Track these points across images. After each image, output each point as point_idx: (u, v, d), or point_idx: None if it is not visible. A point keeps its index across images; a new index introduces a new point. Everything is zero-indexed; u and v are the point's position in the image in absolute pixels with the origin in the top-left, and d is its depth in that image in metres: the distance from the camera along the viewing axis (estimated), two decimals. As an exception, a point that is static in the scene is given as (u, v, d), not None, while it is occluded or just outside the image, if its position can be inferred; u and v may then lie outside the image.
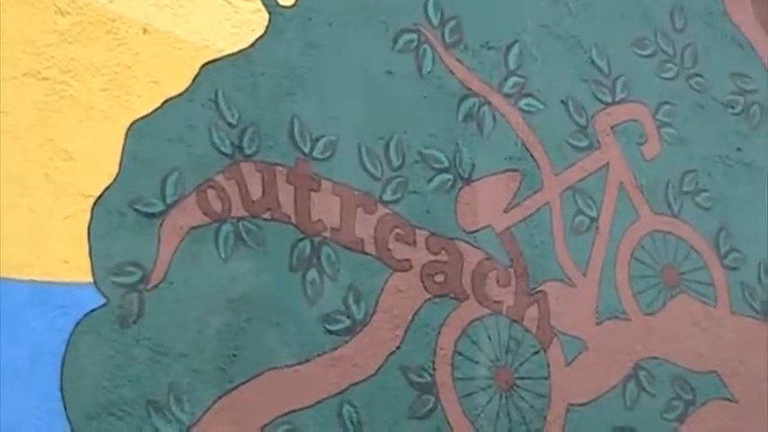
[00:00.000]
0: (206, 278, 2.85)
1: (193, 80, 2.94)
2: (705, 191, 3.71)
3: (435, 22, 3.33)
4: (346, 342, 3.00)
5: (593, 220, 3.47)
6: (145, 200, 2.81)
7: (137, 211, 2.80)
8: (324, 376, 2.94)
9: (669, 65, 3.75)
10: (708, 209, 3.71)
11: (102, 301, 2.71)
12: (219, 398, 2.80)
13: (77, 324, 2.67)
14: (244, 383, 2.85)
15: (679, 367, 3.52)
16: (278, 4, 3.10)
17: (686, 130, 3.72)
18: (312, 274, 2.99)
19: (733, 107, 3.84)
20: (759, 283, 3.74)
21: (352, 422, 2.95)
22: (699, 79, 3.79)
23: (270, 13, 3.08)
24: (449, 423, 3.09)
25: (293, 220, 3.00)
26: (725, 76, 3.86)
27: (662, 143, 3.66)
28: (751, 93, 3.89)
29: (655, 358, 3.49)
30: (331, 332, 2.98)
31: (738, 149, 3.81)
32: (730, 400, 3.59)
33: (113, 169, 2.80)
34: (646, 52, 3.71)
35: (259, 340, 2.90)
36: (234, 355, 2.86)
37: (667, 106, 3.71)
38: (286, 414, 2.89)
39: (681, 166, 3.69)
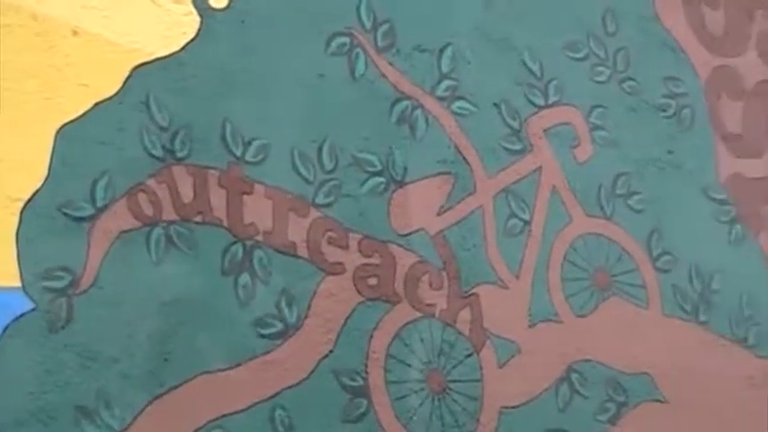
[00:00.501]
0: (137, 282, 2.86)
1: (124, 83, 2.95)
2: (637, 193, 3.76)
3: (368, 25, 3.35)
4: (278, 346, 3.02)
5: (525, 222, 3.51)
6: (74, 204, 2.82)
7: (66, 215, 2.81)
8: (256, 380, 2.96)
9: (601, 68, 3.79)
10: (640, 211, 3.75)
11: (30, 305, 2.72)
12: (150, 403, 2.82)
13: (5, 329, 2.67)
14: (175, 388, 2.87)
15: (611, 369, 3.56)
16: (210, 7, 3.11)
17: (618, 132, 3.76)
18: (244, 277, 3.01)
19: (665, 110, 3.89)
20: (691, 285, 3.80)
21: (284, 426, 2.98)
22: (631, 83, 3.84)
23: (201, 16, 3.09)
24: (381, 426, 3.13)
25: (225, 224, 3.01)
26: (657, 80, 3.90)
27: (594, 146, 3.70)
28: (682, 96, 3.94)
29: (587, 360, 3.53)
30: (263, 336, 3.01)
31: (670, 152, 3.86)
32: (662, 402, 3.65)
33: (42, 173, 2.80)
34: (578, 56, 3.75)
35: (191, 344, 2.91)
36: (165, 360, 2.87)
37: (600, 109, 3.75)
38: (218, 418, 2.90)
39: (613, 169, 3.73)
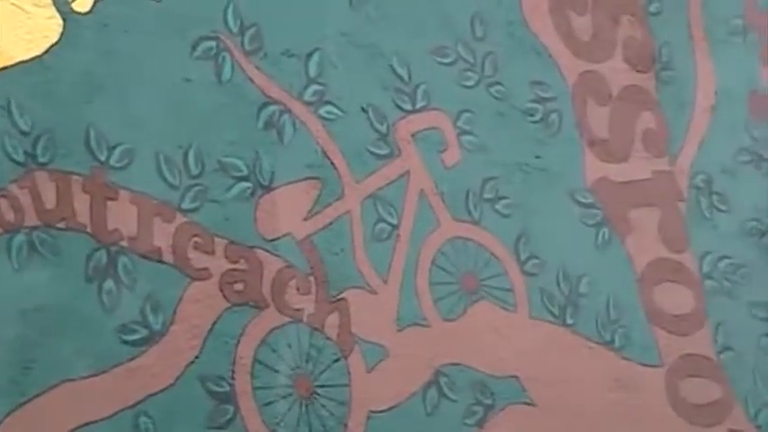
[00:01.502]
0: (-3, 290, 2.88)
1: (-16, 87, 2.95)
2: (505, 198, 3.84)
3: (235, 29, 3.39)
4: (144, 352, 3.06)
5: (393, 227, 3.58)
6: (-66, 210, 2.83)
7: (-75, 221, 2.82)
8: (120, 387, 3.00)
9: (470, 73, 3.86)
10: (508, 215, 3.84)
11: None
12: (12, 411, 2.84)
13: None
14: (38, 396, 2.89)
15: (479, 372, 3.65)
16: (73, 11, 3.12)
17: (486, 137, 3.84)
18: (109, 284, 3.04)
19: (532, 115, 3.98)
20: (558, 289, 3.89)
21: (149, 433, 3.02)
22: (499, 87, 3.91)
23: (65, 20, 3.10)
24: (248, 432, 3.19)
25: (89, 230, 3.04)
26: (524, 85, 3.98)
27: (462, 150, 3.78)
28: (550, 101, 4.03)
29: (455, 364, 3.61)
30: (128, 343, 3.04)
31: (537, 157, 3.95)
32: (529, 404, 3.74)
33: None
34: (446, 60, 3.82)
35: (54, 352, 2.94)
36: (27, 368, 2.89)
37: (468, 114, 3.82)
38: (81, 426, 2.94)
39: (481, 174, 3.81)
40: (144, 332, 3.08)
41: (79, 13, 3.13)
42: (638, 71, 4.30)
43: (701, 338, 4.19)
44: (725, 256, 4.33)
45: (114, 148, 3.11)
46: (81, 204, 3.04)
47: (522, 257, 3.85)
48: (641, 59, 4.32)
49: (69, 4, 3.12)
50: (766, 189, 4.53)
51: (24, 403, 2.87)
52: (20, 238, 2.94)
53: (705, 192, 4.34)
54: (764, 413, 4.27)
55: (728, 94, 4.49)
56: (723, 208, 4.37)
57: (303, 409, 3.30)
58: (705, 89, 4.44)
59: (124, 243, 3.08)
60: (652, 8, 4.39)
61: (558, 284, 3.91)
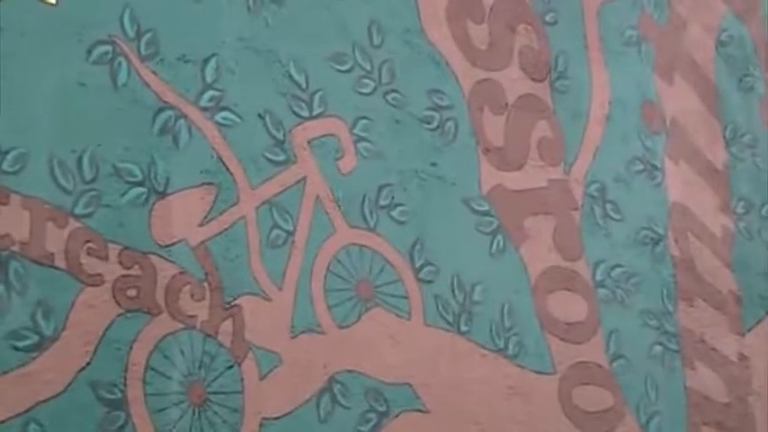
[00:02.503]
0: None
1: None
2: (401, 205, 3.92)
3: (131, 34, 3.42)
4: (34, 358, 3.07)
5: (289, 233, 3.63)
6: None
7: None
8: (10, 394, 3.00)
9: (367, 80, 3.93)
10: (403, 223, 3.91)
11: None
12: None
13: None
14: (-77, 403, 2.89)
15: (373, 379, 3.72)
16: (-35, 14, 3.12)
17: (383, 144, 3.92)
18: (-1, 289, 3.06)
19: (429, 122, 4.07)
20: (452, 296, 3.97)
21: (38, 440, 3.03)
22: (396, 95, 4.00)
23: (-43, 22, 3.09)
24: (140, 439, 3.22)
25: (-20, 235, 3.04)
26: (421, 92, 4.07)
27: (358, 157, 3.85)
28: (446, 109, 4.12)
29: (349, 371, 3.67)
30: (18, 349, 3.05)
31: (433, 164, 4.04)
32: (423, 411, 3.81)
33: None
34: (344, 67, 3.88)
35: (-57, 358, 2.94)
36: None
37: (364, 121, 3.89)
38: (-32, 434, 2.94)
39: (377, 181, 3.88)
40: (35, 338, 3.08)
41: (-29, 17, 3.13)
42: (534, 80, 4.41)
43: (593, 346, 4.31)
44: (618, 265, 4.46)
45: (7, 152, 3.12)
46: (-28, 209, 3.05)
47: (417, 264, 3.92)
48: (537, 68, 4.43)
49: (-39, 6, 3.13)
50: (659, 198, 4.68)
51: None
52: None
53: (599, 200, 4.46)
54: (655, 421, 4.41)
55: (622, 104, 4.63)
56: (616, 217, 4.50)
57: (196, 415, 3.33)
58: (600, 99, 4.57)
59: (15, 248, 3.09)
60: (548, 18, 4.51)
61: (453, 292, 3.98)
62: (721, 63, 5.10)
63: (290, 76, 3.75)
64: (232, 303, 3.47)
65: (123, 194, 3.32)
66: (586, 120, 4.51)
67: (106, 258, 3.25)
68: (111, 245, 3.26)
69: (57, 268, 3.16)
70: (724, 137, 5.02)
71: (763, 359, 4.85)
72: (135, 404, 3.22)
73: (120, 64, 3.38)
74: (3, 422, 2.98)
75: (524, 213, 4.27)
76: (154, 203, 3.37)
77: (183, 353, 3.34)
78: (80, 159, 3.25)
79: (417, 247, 3.93)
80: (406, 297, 3.87)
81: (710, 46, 5.08)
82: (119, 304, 3.24)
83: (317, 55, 3.83)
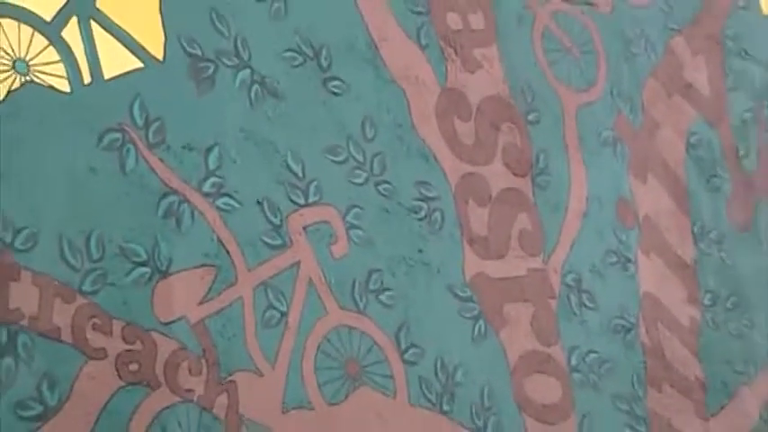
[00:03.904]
0: None
1: None
2: (389, 289, 3.93)
3: (140, 122, 3.45)
4: (38, 428, 3.05)
5: (283, 314, 3.64)
6: None
7: None
8: (15, 462, 2.98)
9: (359, 171, 3.97)
10: (390, 306, 3.92)
11: None
12: None
13: None
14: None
15: (360, 455, 3.68)
16: (-20, 99, 3.15)
17: (373, 231, 3.93)
18: (7, 361, 3.04)
19: (417, 212, 4.09)
20: (436, 377, 3.97)
21: None
22: (386, 185, 4.03)
23: (-21, 110, 3.13)
24: (135, 508, 3.19)
25: (-9, 310, 3.04)
26: (410, 184, 4.10)
27: (350, 243, 3.86)
28: (433, 200, 4.14)
29: (336, 446, 3.64)
30: (23, 418, 3.04)
31: (420, 251, 4.06)
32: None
33: None
34: (338, 159, 3.92)
35: (-50, 426, 2.92)
36: None
37: (356, 209, 3.92)
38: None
39: (367, 266, 3.89)
40: (39, 408, 3.07)
41: (-8, 103, 3.16)
42: (516, 175, 4.44)
43: (567, 427, 4.29)
44: (592, 351, 4.46)
45: (20, 231, 3.13)
46: (-17, 284, 3.05)
47: (403, 346, 3.91)
48: (520, 164, 4.47)
49: (-24, 92, 3.14)
50: (631, 289, 4.69)
51: None
52: None
53: (575, 290, 4.48)
54: (628, 501, 4.41)
55: (599, 200, 4.66)
56: (591, 305, 4.51)
57: (191, 485, 3.31)
58: (578, 194, 4.60)
59: (24, 322, 3.09)
60: (531, 117, 4.55)
61: (436, 373, 3.98)
62: (691, 164, 5.15)
63: (288, 165, 3.78)
64: (228, 379, 3.46)
65: (128, 274, 3.33)
66: (565, 213, 4.53)
67: (110, 334, 3.25)
68: (115, 321, 3.27)
69: (63, 342, 3.16)
70: (693, 233, 5.05)
71: (726, 444, 4.84)
72: (133, 473, 3.20)
73: (128, 150, 3.41)
74: (7, 488, 2.97)
75: (504, 300, 4.27)
76: (156, 283, 3.38)
77: (180, 425, 3.32)
78: (88, 239, 3.26)
79: (404, 329, 3.93)
80: (391, 377, 3.86)
81: (681, 148, 5.13)
82: (120, 377, 3.24)
83: (314, 146, 3.87)
